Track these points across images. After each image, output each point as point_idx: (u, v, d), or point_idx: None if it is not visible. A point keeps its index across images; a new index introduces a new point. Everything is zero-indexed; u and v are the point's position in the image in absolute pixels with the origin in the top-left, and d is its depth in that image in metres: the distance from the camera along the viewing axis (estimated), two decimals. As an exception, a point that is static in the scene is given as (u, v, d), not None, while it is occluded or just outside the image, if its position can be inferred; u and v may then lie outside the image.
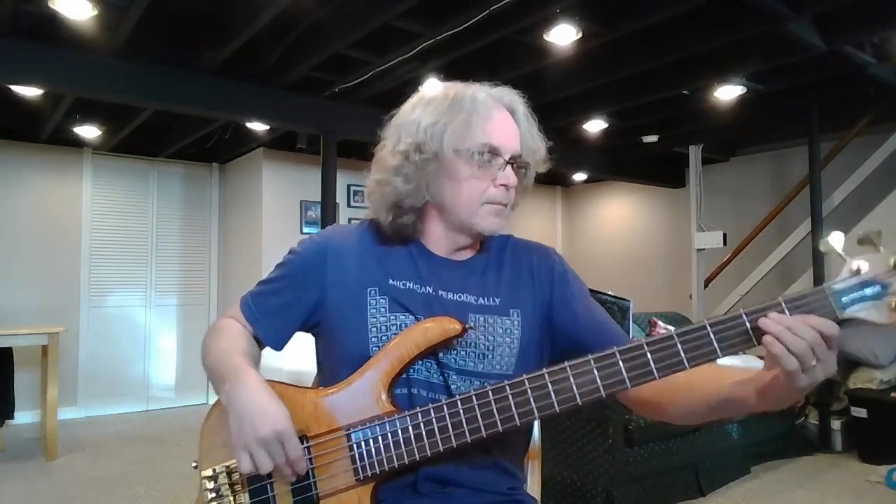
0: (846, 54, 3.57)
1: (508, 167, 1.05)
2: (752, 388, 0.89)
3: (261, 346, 1.13)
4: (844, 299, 0.85)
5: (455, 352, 1.03)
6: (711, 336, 0.87)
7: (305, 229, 5.70)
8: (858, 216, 4.61)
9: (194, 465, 1.04)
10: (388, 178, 1.06)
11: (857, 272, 0.85)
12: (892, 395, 3.97)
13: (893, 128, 4.64)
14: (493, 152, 1.04)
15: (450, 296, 1.06)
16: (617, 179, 6.93)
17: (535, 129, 1.11)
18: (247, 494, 1.00)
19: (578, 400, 0.91)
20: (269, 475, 0.99)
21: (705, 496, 3.38)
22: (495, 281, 1.10)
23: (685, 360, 0.88)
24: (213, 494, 1.01)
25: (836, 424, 4.27)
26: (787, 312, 0.85)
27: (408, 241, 1.11)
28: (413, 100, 1.11)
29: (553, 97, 4.38)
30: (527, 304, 1.09)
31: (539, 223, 7.64)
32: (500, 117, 1.06)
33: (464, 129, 1.03)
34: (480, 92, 1.07)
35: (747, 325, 0.86)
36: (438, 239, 1.11)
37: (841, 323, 0.85)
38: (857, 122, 4.74)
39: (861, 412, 4.02)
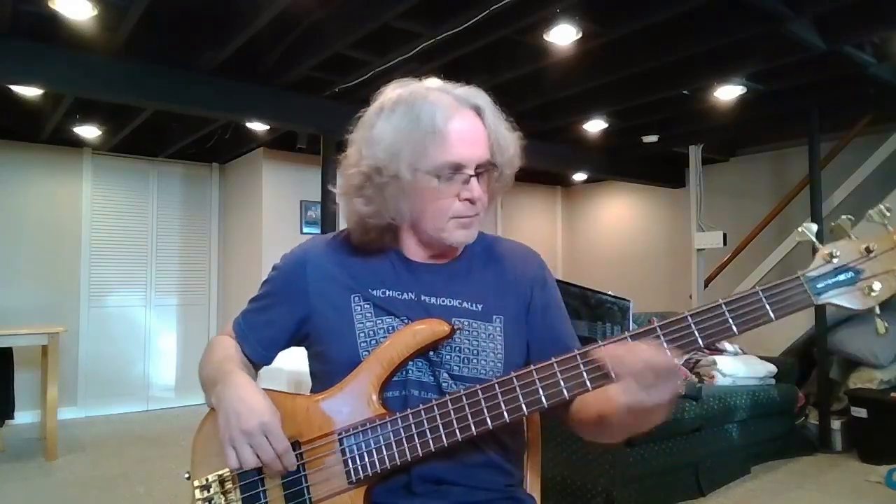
0: (846, 54, 3.57)
1: (473, 180, 1.01)
2: (613, 404, 0.91)
3: (256, 366, 1.14)
4: (819, 286, 0.88)
5: (441, 354, 1.03)
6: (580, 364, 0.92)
7: (305, 229, 5.70)
8: (858, 216, 4.61)
9: (186, 475, 1.04)
10: (350, 195, 1.04)
11: (830, 259, 0.88)
12: (892, 395, 3.97)
13: (893, 128, 4.64)
14: (456, 168, 1.00)
15: (433, 300, 1.06)
16: (617, 179, 6.93)
17: (504, 125, 1.06)
18: (239, 502, 0.99)
19: (566, 394, 0.92)
20: (260, 472, 0.99)
21: (705, 496, 3.38)
22: (478, 285, 1.09)
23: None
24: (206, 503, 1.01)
25: (836, 424, 4.27)
26: (764, 301, 0.87)
27: (385, 249, 1.10)
28: (377, 104, 1.05)
29: (553, 97, 4.38)
30: (509, 310, 1.09)
31: (539, 223, 7.64)
32: (464, 125, 1.00)
33: (422, 147, 0.98)
34: (444, 96, 1.01)
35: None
36: (415, 248, 1.10)
37: (821, 308, 0.87)
38: (857, 122, 4.74)
39: (861, 412, 4.02)
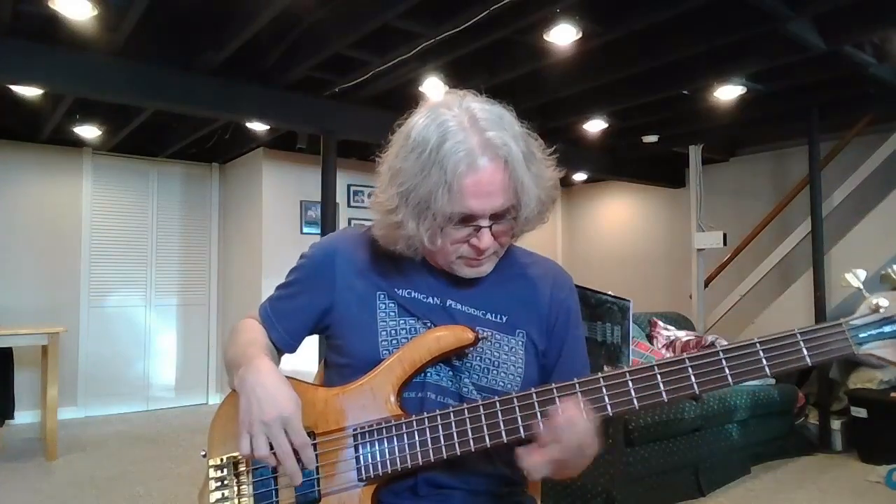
0: (846, 54, 3.57)
1: (485, 230, 0.97)
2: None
3: (280, 352, 1.14)
4: (862, 335, 0.85)
5: (464, 361, 1.03)
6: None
7: (305, 229, 5.70)
8: (858, 216, 4.61)
9: (203, 453, 1.05)
10: (374, 217, 1.03)
11: (877, 309, 0.86)
12: (892, 394, 3.97)
13: (893, 128, 4.63)
14: (466, 219, 0.95)
15: (458, 307, 1.06)
16: (617, 179, 6.93)
17: (532, 177, 0.97)
18: (251, 486, 1.01)
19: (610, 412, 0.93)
20: (275, 470, 0.98)
21: (705, 496, 3.38)
22: (504, 298, 1.08)
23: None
24: (218, 484, 1.01)
25: (836, 424, 4.27)
26: (802, 344, 0.85)
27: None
28: (407, 127, 0.99)
29: (553, 97, 4.39)
30: (532, 327, 1.08)
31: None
32: (483, 176, 0.93)
33: (431, 197, 0.93)
34: (472, 138, 0.93)
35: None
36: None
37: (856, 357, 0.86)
38: (857, 122, 4.74)
39: (861, 412, 4.03)
